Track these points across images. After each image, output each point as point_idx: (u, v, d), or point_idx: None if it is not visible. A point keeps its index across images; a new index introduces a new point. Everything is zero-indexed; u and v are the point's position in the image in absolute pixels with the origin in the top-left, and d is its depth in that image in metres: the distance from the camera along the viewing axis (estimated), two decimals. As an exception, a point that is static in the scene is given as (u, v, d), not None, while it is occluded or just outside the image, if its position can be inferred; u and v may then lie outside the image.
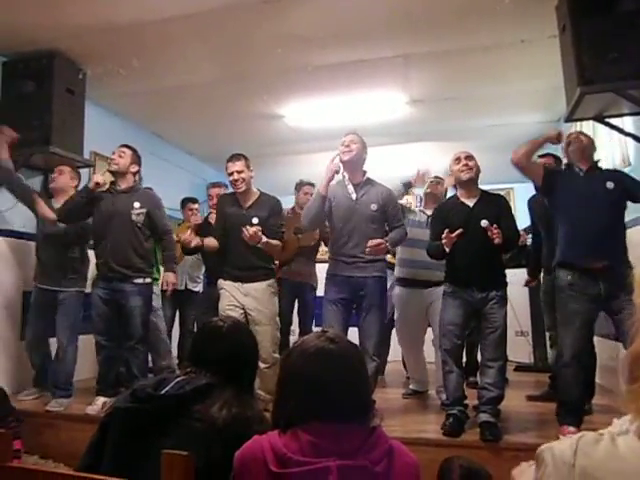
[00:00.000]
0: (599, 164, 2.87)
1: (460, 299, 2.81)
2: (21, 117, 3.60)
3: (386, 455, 1.07)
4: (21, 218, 3.79)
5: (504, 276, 2.92)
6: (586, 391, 3.17)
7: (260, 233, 2.99)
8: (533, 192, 3.87)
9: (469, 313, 2.85)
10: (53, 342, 3.53)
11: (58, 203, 3.50)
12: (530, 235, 3.95)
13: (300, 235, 4.05)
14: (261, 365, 2.96)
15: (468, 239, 2.80)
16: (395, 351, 4.54)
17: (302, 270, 4.17)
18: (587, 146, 2.80)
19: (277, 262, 3.78)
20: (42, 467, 2.38)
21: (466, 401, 2.84)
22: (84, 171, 4.23)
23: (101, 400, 3.20)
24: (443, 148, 5.27)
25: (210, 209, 4.33)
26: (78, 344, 3.48)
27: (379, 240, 2.89)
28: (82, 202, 3.29)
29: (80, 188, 3.45)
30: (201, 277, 4.57)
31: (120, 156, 3.37)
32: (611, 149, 3.72)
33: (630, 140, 3.33)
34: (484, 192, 2.97)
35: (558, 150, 3.96)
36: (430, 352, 3.55)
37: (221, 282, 3.26)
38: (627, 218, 2.75)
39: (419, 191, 3.69)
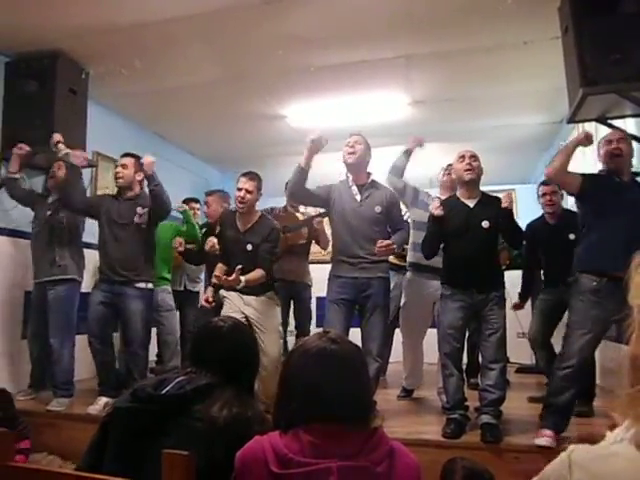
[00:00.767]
0: (637, 174, 2.81)
1: (459, 302, 2.79)
2: (24, 117, 3.61)
3: (387, 456, 1.07)
4: (24, 217, 3.79)
5: (502, 276, 2.91)
6: (583, 395, 3.18)
7: (237, 277, 2.96)
8: (534, 193, 3.87)
9: (468, 316, 2.83)
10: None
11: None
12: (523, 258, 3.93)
13: (288, 234, 4.05)
14: (264, 373, 2.97)
15: (467, 240, 2.80)
16: (396, 351, 4.54)
17: (295, 269, 4.15)
18: (630, 157, 2.74)
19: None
20: (44, 466, 2.37)
21: (467, 403, 2.84)
22: (86, 171, 4.24)
23: (103, 400, 3.20)
24: (445, 149, 5.26)
25: (206, 216, 4.34)
26: (77, 343, 3.49)
27: (388, 241, 2.89)
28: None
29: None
30: (201, 277, 4.57)
31: (124, 168, 3.40)
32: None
33: (633, 142, 3.32)
34: (484, 194, 2.96)
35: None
36: (430, 352, 3.53)
37: (223, 292, 3.28)
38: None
39: (435, 193, 3.63)
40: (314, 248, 4.31)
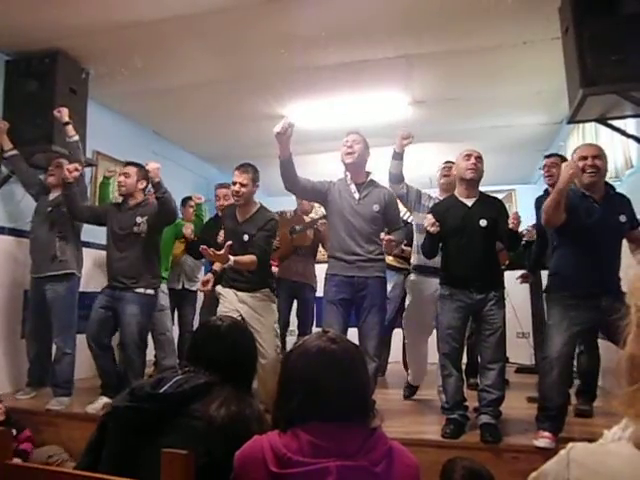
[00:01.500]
0: (608, 185, 2.74)
1: (458, 302, 2.79)
2: (24, 116, 3.61)
3: (386, 456, 1.07)
4: (23, 216, 3.80)
5: (501, 276, 2.91)
6: (586, 394, 3.18)
7: (226, 253, 2.97)
8: (535, 194, 3.87)
9: (467, 316, 2.83)
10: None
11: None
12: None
13: (294, 235, 4.06)
14: (261, 373, 2.98)
15: (465, 239, 2.80)
16: (396, 351, 4.54)
17: (300, 270, 4.16)
18: (604, 173, 2.66)
19: (274, 261, 3.79)
20: (41, 465, 2.37)
21: (466, 403, 2.84)
22: (86, 170, 4.25)
23: (103, 400, 3.20)
24: (445, 149, 5.27)
25: (217, 210, 4.33)
26: (78, 342, 3.47)
27: (390, 237, 2.89)
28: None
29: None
30: (199, 277, 4.56)
31: (126, 177, 3.41)
32: (614, 151, 3.71)
33: (632, 142, 3.33)
34: (482, 193, 2.96)
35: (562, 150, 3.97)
36: (431, 352, 3.53)
37: (219, 288, 3.28)
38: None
39: (435, 193, 3.62)
40: (321, 250, 4.31)
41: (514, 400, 3.28)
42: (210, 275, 3.28)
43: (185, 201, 4.69)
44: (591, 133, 4.05)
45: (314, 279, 4.31)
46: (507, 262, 4.09)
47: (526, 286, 4.19)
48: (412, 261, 3.66)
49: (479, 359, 2.91)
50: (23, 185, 3.66)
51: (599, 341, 3.22)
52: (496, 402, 2.70)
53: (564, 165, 2.49)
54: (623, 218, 2.59)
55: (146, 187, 3.49)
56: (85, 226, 3.71)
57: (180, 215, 4.71)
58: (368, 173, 3.16)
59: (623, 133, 3.26)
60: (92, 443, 1.32)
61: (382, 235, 2.86)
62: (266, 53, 3.73)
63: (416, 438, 2.62)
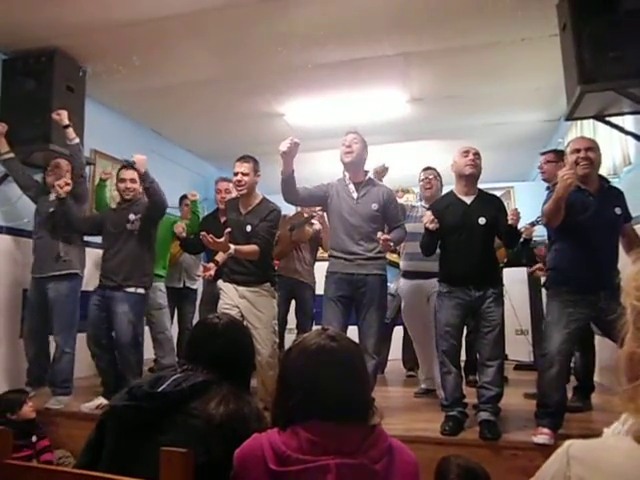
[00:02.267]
0: (603, 178, 2.75)
1: (456, 299, 2.79)
2: (21, 115, 3.59)
3: (386, 453, 1.07)
4: (20, 215, 3.79)
5: (500, 273, 2.92)
6: (581, 391, 3.19)
7: (226, 240, 2.99)
8: (534, 191, 3.88)
9: (466, 313, 2.84)
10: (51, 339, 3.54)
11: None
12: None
13: (294, 230, 4.06)
14: (258, 369, 2.98)
15: (464, 236, 2.80)
16: (396, 349, 4.55)
17: (298, 268, 4.16)
18: (597, 165, 2.67)
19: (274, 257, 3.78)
20: (41, 464, 2.38)
21: (465, 400, 2.85)
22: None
23: (100, 400, 3.21)
24: (443, 146, 5.28)
25: (218, 203, 4.32)
26: (77, 341, 3.48)
27: (387, 236, 2.89)
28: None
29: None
30: (198, 274, 4.56)
31: (133, 182, 3.43)
32: (612, 148, 3.71)
33: (631, 139, 3.33)
34: (481, 191, 2.96)
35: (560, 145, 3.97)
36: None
37: (220, 283, 3.30)
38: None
39: (419, 189, 3.67)
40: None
41: (513, 397, 3.29)
42: (212, 264, 3.28)
43: (182, 200, 4.68)
44: (589, 130, 4.05)
45: (313, 279, 4.31)
46: (505, 259, 4.09)
47: (525, 283, 4.20)
48: (402, 267, 3.75)
49: (478, 356, 2.92)
50: (20, 187, 3.65)
51: (597, 337, 3.23)
52: (495, 399, 2.71)
53: (560, 173, 2.48)
54: (618, 211, 2.60)
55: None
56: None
57: (178, 214, 4.72)
58: (366, 172, 3.16)
59: (621, 130, 3.26)
60: (91, 442, 1.32)
61: (379, 235, 2.86)
62: (264, 51, 3.72)
63: (415, 435, 2.62)
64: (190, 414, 1.23)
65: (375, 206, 3.04)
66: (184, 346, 1.61)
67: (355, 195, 3.07)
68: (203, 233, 3.01)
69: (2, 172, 3.69)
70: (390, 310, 3.98)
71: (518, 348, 4.66)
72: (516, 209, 2.79)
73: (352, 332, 2.72)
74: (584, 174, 2.59)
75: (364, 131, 3.18)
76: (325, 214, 3.56)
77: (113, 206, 3.82)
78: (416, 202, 3.86)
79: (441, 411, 2.84)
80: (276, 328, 3.29)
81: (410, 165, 4.14)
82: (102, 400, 3.18)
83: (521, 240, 3.37)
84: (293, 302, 4.32)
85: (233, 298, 3.18)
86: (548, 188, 3.68)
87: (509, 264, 4.12)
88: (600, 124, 3.43)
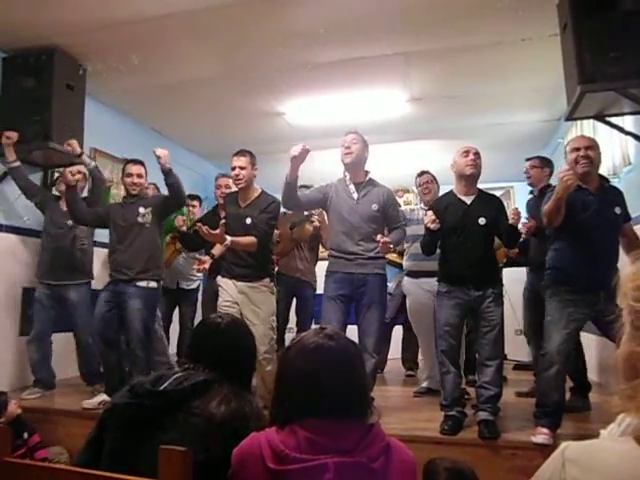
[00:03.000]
0: (603, 178, 2.76)
1: (456, 299, 2.79)
2: (21, 113, 3.60)
3: (383, 452, 1.07)
4: (21, 214, 3.79)
5: (499, 273, 2.92)
6: (578, 391, 3.19)
7: (222, 232, 3.00)
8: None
9: (465, 313, 2.84)
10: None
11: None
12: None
13: (295, 228, 4.06)
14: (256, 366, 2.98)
15: (464, 236, 2.81)
16: (395, 348, 4.55)
17: (299, 266, 4.17)
18: (597, 164, 2.67)
19: (274, 256, 3.78)
20: (39, 462, 2.38)
21: (465, 399, 2.85)
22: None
23: (102, 396, 3.20)
24: (443, 146, 5.28)
25: (217, 199, 4.31)
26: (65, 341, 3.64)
27: (386, 238, 2.89)
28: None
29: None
30: (195, 275, 4.54)
31: (140, 176, 3.43)
32: (611, 148, 3.71)
33: (630, 139, 3.33)
34: (481, 191, 2.96)
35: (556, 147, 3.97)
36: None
37: (219, 279, 3.30)
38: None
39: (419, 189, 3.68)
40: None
41: (512, 397, 3.29)
42: (207, 257, 3.26)
43: None
44: (589, 130, 4.05)
45: (314, 278, 4.31)
46: (505, 260, 4.10)
47: (522, 282, 4.19)
48: (405, 266, 3.81)
49: (477, 356, 2.92)
50: (24, 194, 3.68)
51: (593, 337, 3.24)
52: (494, 399, 2.71)
53: (560, 174, 2.48)
54: (618, 210, 2.60)
55: None
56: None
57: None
58: (367, 172, 3.16)
59: (621, 130, 3.27)
60: (91, 439, 1.32)
61: (378, 237, 2.86)
62: (265, 50, 3.72)
63: (414, 435, 2.62)
64: (191, 413, 1.24)
65: (375, 206, 3.05)
66: (186, 345, 1.61)
67: (355, 196, 3.07)
68: (199, 224, 3.00)
69: (1, 170, 3.69)
70: (390, 310, 3.99)
71: (517, 348, 4.66)
72: (517, 208, 2.80)
73: (352, 331, 2.73)
74: (584, 172, 2.60)
75: (364, 131, 3.18)
76: (324, 212, 3.57)
77: (118, 201, 3.79)
78: (414, 205, 3.90)
79: (440, 411, 2.84)
80: (274, 324, 3.28)
81: (410, 165, 4.15)
82: (104, 397, 3.18)
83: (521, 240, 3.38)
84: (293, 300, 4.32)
85: (232, 294, 3.18)
86: (532, 192, 3.74)
87: (509, 264, 4.12)
88: (600, 124, 3.43)
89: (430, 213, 2.84)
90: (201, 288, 4.57)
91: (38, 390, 3.47)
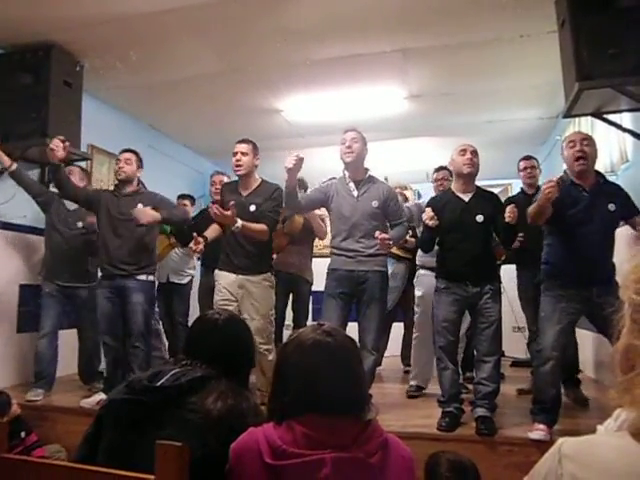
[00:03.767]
0: (600, 174, 2.76)
1: (454, 295, 2.80)
2: (18, 110, 3.58)
3: (381, 448, 1.08)
4: (18, 211, 3.78)
5: (497, 270, 2.93)
6: (570, 385, 3.21)
7: (233, 214, 2.99)
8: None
9: (463, 309, 2.85)
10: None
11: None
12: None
13: (285, 223, 4.05)
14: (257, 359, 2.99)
15: (462, 233, 2.81)
16: (395, 345, 4.55)
17: (295, 261, 4.15)
18: (593, 160, 2.67)
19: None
20: (37, 459, 2.37)
21: (462, 395, 2.85)
22: (81, 164, 4.22)
23: (101, 395, 3.19)
24: (441, 143, 5.28)
25: (212, 196, 4.30)
26: (59, 339, 3.59)
27: (386, 235, 2.88)
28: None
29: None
30: (186, 271, 4.54)
31: (127, 163, 3.40)
32: (609, 145, 3.72)
33: (628, 136, 3.33)
34: (479, 188, 2.97)
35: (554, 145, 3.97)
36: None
37: (217, 273, 3.26)
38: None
39: (417, 186, 3.68)
40: (319, 242, 4.30)
41: (509, 393, 3.30)
42: (201, 238, 3.19)
43: (178, 198, 4.66)
44: (587, 127, 4.05)
45: (310, 273, 4.30)
46: (503, 257, 4.10)
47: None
48: (418, 260, 3.78)
49: (475, 352, 2.93)
50: (29, 194, 3.64)
51: (591, 334, 3.24)
52: (491, 395, 2.72)
53: (544, 186, 2.49)
54: (612, 207, 2.59)
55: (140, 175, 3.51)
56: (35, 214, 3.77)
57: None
58: (367, 169, 3.17)
59: (619, 127, 3.27)
60: (88, 436, 1.32)
61: (377, 234, 2.86)
62: (262, 47, 3.71)
63: (411, 431, 2.63)
64: (188, 409, 1.23)
65: (376, 203, 3.05)
66: (183, 341, 1.61)
67: (355, 193, 3.08)
68: (210, 204, 2.98)
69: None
70: (391, 301, 3.98)
71: (515, 345, 4.67)
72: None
73: (352, 329, 2.73)
74: (580, 170, 2.61)
75: (361, 127, 3.18)
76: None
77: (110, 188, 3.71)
78: (414, 200, 3.88)
79: (437, 407, 2.85)
80: (272, 318, 3.29)
81: (408, 162, 4.14)
82: (102, 396, 3.16)
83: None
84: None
85: (230, 289, 3.16)
86: (522, 190, 3.74)
87: (507, 261, 4.12)
88: (598, 121, 3.43)
89: (429, 210, 2.84)
90: (195, 283, 4.57)
91: (41, 391, 3.42)
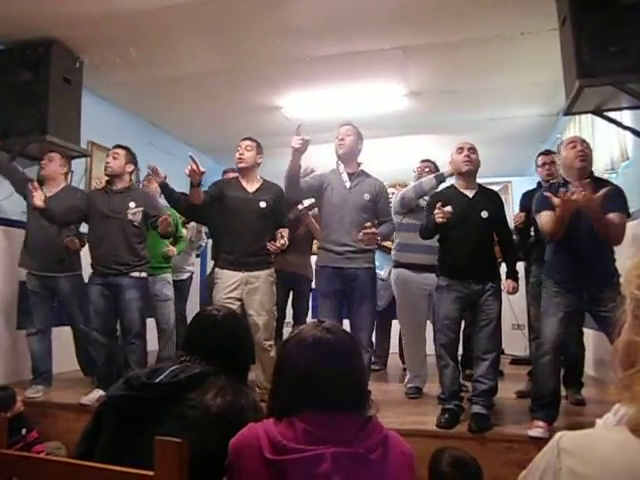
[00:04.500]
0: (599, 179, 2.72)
1: (455, 292, 2.80)
2: (17, 106, 3.57)
3: (381, 444, 1.08)
4: (17, 206, 3.77)
5: (498, 268, 2.93)
6: (573, 384, 3.20)
7: (283, 242, 3.13)
8: (530, 186, 3.87)
9: (464, 307, 2.85)
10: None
11: (49, 191, 3.48)
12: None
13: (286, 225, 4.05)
14: (260, 355, 3.00)
15: (466, 230, 2.80)
16: (392, 343, 4.55)
17: (296, 261, 4.16)
18: (590, 162, 2.67)
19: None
20: (36, 454, 2.38)
21: (462, 393, 2.86)
22: (81, 161, 4.22)
23: (100, 392, 3.19)
24: (441, 141, 5.27)
25: None
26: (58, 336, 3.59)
27: (374, 230, 2.87)
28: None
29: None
30: (186, 268, 4.54)
31: (114, 158, 3.35)
32: (609, 143, 3.71)
33: (628, 134, 3.32)
34: (481, 186, 2.97)
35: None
36: (428, 344, 3.53)
37: (218, 271, 3.23)
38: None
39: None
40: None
41: (508, 391, 3.30)
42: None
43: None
44: (587, 125, 4.05)
45: (310, 270, 4.30)
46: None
47: (522, 279, 4.19)
48: (394, 257, 3.67)
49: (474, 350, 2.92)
50: (13, 186, 3.59)
51: (589, 331, 3.24)
52: (488, 392, 2.71)
53: (566, 196, 2.41)
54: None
55: (133, 171, 3.46)
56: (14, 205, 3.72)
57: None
58: (359, 164, 3.18)
59: (619, 125, 3.26)
60: (87, 432, 1.33)
61: (367, 224, 2.84)
62: (262, 44, 3.71)
63: (411, 428, 2.63)
64: (187, 405, 1.24)
65: (367, 196, 3.06)
66: (183, 337, 1.61)
67: (348, 184, 3.09)
68: (271, 243, 3.13)
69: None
70: (384, 299, 3.97)
71: (514, 342, 4.68)
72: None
73: (345, 326, 2.73)
74: (581, 167, 2.60)
75: (361, 125, 3.18)
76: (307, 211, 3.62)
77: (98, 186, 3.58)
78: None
79: (437, 404, 2.85)
80: (275, 314, 3.32)
81: (407, 159, 4.12)
82: (101, 392, 3.15)
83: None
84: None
85: (235, 288, 3.13)
86: (539, 184, 3.66)
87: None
88: (598, 119, 3.42)
89: (439, 205, 2.80)
90: (195, 281, 4.56)
91: (41, 387, 3.41)
